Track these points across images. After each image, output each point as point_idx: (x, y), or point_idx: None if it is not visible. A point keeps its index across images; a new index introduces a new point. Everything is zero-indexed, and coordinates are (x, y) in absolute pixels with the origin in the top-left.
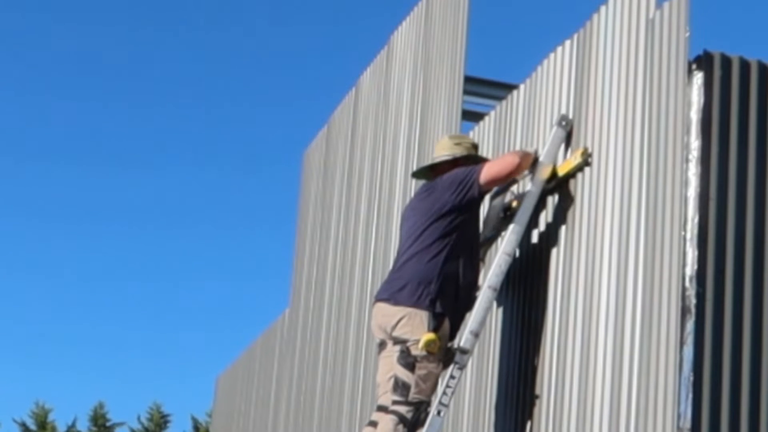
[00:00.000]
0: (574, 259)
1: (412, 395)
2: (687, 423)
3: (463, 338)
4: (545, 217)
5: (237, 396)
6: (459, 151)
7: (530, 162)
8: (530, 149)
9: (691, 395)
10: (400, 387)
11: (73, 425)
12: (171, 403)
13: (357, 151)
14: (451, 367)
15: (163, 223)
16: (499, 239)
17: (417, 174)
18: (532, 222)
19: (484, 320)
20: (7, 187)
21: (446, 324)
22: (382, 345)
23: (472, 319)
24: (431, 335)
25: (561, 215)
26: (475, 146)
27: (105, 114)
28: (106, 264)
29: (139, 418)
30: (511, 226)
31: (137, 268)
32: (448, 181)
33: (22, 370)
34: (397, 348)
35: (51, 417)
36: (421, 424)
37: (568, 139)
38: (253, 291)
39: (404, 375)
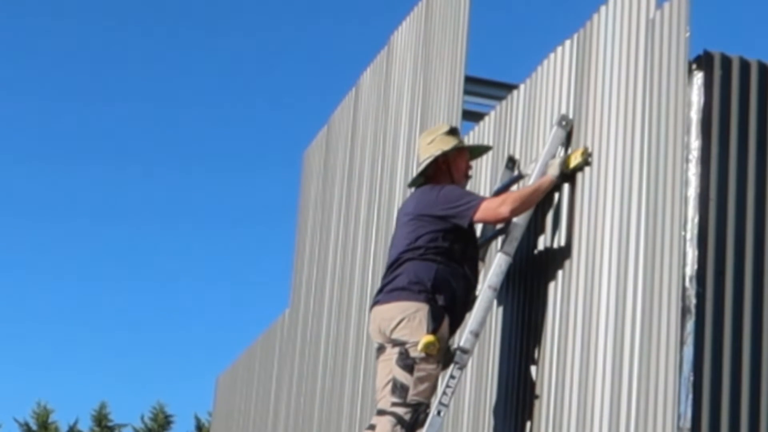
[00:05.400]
0: (574, 259)
1: (411, 397)
2: (687, 423)
3: (463, 338)
4: (545, 217)
5: (237, 396)
6: (434, 151)
7: (534, 200)
8: (545, 181)
9: (691, 395)
10: (399, 389)
11: (75, 425)
12: (174, 403)
13: (357, 152)
14: (451, 367)
15: (163, 222)
16: (499, 239)
17: (413, 184)
18: (532, 222)
19: (484, 320)
20: (7, 187)
21: (445, 325)
22: (380, 349)
23: (471, 319)
24: (430, 337)
25: (561, 215)
26: (451, 132)
27: (104, 114)
28: (107, 264)
29: (142, 418)
30: (511, 226)
31: (138, 268)
32: (445, 196)
33: (24, 370)
34: (396, 350)
35: (53, 417)
36: (420, 425)
37: (568, 139)
38: (253, 291)
39: (403, 377)
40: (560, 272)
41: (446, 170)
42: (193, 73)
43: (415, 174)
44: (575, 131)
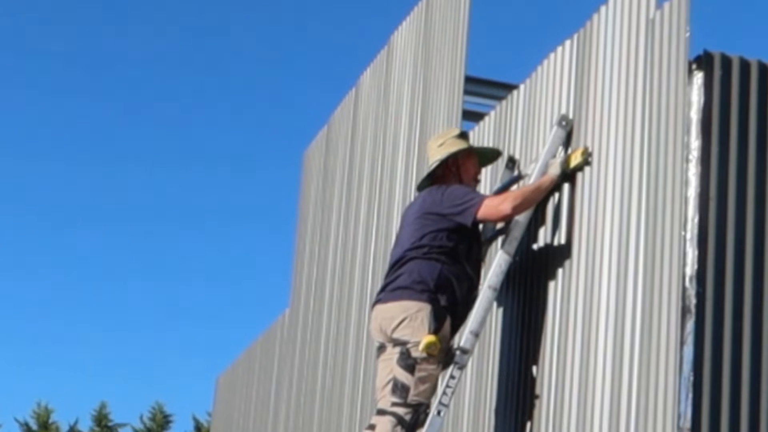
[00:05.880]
0: (574, 259)
1: (411, 397)
2: (687, 423)
3: (463, 338)
4: (546, 217)
5: (237, 396)
6: (442, 154)
7: (536, 198)
8: (546, 180)
9: (691, 395)
10: (399, 389)
11: (75, 425)
12: (172, 404)
13: (357, 152)
14: (451, 367)
15: (163, 222)
16: (500, 239)
17: (421, 186)
18: (533, 221)
19: (484, 320)
20: (6, 186)
21: (447, 325)
22: (381, 348)
23: (472, 319)
24: (432, 337)
25: (561, 215)
26: (461, 135)
27: (105, 114)
28: (107, 264)
29: (141, 418)
30: (511, 225)
31: (138, 268)
32: (449, 194)
33: (24, 370)
34: (397, 350)
35: (53, 417)
36: (420, 425)
37: (568, 139)
38: (253, 291)
39: (403, 377)
40: (560, 272)
41: (455, 173)
42: (192, 73)
43: (424, 176)
44: (575, 131)
